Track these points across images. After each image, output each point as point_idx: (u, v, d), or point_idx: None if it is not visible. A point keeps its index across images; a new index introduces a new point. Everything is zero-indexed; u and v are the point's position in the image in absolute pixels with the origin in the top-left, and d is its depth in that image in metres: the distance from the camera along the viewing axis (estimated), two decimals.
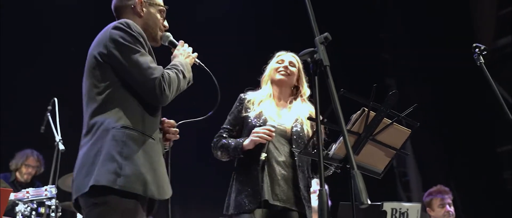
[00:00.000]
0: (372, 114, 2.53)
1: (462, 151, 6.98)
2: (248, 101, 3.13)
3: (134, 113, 2.15)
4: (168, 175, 2.26)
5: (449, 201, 4.72)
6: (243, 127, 3.11)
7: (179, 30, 2.71)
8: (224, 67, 3.96)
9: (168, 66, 2.29)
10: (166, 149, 2.41)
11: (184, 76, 2.27)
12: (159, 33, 2.43)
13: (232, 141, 3.02)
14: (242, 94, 3.19)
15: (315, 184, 4.55)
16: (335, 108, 1.94)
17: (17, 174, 4.98)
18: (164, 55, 2.46)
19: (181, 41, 2.50)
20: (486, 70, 3.11)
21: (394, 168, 8.98)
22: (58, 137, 4.26)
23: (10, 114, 5.08)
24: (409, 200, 8.08)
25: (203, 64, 2.53)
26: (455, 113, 6.92)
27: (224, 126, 3.14)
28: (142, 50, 2.17)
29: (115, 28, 2.19)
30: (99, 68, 2.17)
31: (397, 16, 7.88)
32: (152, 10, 2.40)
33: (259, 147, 2.91)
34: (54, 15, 5.48)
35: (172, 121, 2.43)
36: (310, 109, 3.10)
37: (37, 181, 5.07)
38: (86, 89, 2.21)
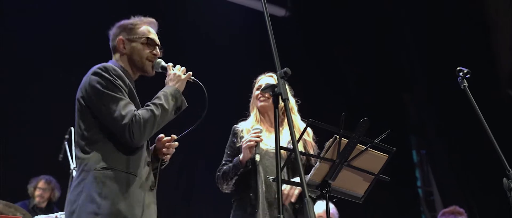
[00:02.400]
0: (345, 141, 2.62)
1: (481, 171, 6.87)
2: (241, 131, 3.24)
3: (115, 152, 2.28)
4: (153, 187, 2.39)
5: None
6: None
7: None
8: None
9: (149, 102, 2.39)
10: (164, 163, 2.56)
11: (163, 109, 2.33)
12: (148, 63, 2.52)
13: (230, 164, 3.12)
14: (235, 126, 3.29)
15: (318, 206, 4.63)
16: (292, 138, 2.07)
17: (36, 199, 5.23)
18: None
19: (169, 65, 2.54)
20: (470, 93, 3.16)
21: (419, 188, 8.91)
22: (73, 165, 4.49)
23: (28, 143, 5.34)
24: None
25: (196, 79, 2.58)
26: (473, 135, 6.84)
27: (224, 160, 3.24)
28: (117, 94, 2.28)
29: (94, 73, 2.33)
30: (82, 112, 2.32)
31: (415, 36, 7.88)
32: (134, 44, 2.50)
33: (253, 171, 3.03)
34: (73, 46, 5.76)
35: (168, 138, 2.53)
36: (302, 125, 3.18)
37: (55, 206, 5.31)
38: (75, 131, 2.38)
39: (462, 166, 7.21)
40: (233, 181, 3.09)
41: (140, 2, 6.24)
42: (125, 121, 2.23)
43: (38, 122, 5.43)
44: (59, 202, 5.32)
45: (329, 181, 2.69)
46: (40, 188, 5.25)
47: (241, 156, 3.05)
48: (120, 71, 2.38)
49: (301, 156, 3.08)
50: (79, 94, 2.35)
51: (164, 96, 2.39)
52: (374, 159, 2.76)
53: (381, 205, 7.61)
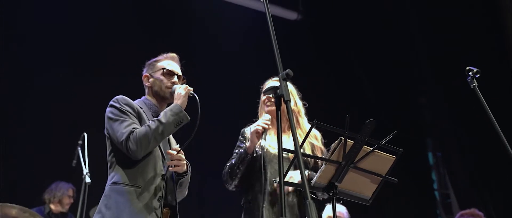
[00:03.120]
0: (350, 142, 2.61)
1: (498, 173, 6.77)
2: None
3: (123, 169, 2.59)
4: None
5: None
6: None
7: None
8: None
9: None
10: (183, 176, 2.74)
11: (160, 123, 2.56)
12: (167, 91, 2.80)
13: (236, 155, 3.16)
14: (243, 129, 3.31)
15: (327, 210, 4.61)
16: (294, 139, 2.07)
17: (52, 206, 5.26)
18: None
19: (175, 86, 2.79)
20: (479, 93, 3.12)
21: (436, 190, 8.79)
22: (85, 170, 4.51)
23: (41, 148, 5.41)
24: None
25: (194, 94, 2.74)
26: (489, 136, 6.74)
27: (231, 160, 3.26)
28: (122, 117, 2.61)
29: (109, 105, 2.69)
30: (106, 138, 2.70)
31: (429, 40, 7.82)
32: (156, 76, 2.83)
33: (260, 175, 3.04)
34: (84, 54, 5.83)
35: (171, 151, 2.67)
36: (314, 130, 3.19)
37: (70, 213, 5.35)
38: None
39: (477, 168, 7.11)
40: (239, 174, 3.08)
41: (149, 8, 6.31)
42: (123, 137, 2.53)
43: (39, 123, 5.48)
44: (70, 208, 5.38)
45: (336, 183, 2.68)
46: (70, 196, 5.32)
47: (247, 144, 3.08)
48: (129, 100, 2.70)
49: (310, 159, 3.08)
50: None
51: (163, 113, 2.64)
52: (381, 161, 2.74)
53: (397, 209, 7.54)
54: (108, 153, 2.68)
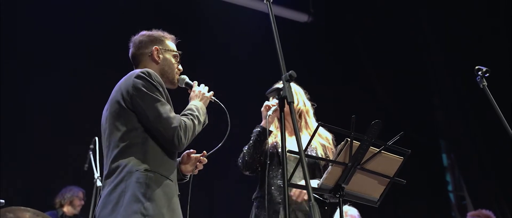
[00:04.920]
0: (357, 143, 2.59)
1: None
2: None
3: (155, 156, 2.33)
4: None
5: None
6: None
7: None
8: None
9: (184, 112, 2.47)
10: (185, 178, 2.66)
11: (199, 121, 2.45)
12: (176, 76, 2.65)
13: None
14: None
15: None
16: (297, 141, 2.05)
17: (64, 209, 5.32)
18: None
19: (195, 82, 2.69)
20: (489, 92, 3.09)
21: (451, 192, 8.69)
22: (97, 174, 4.56)
23: (54, 152, 5.46)
24: None
25: (218, 101, 2.71)
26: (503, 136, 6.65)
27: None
28: (162, 99, 2.37)
29: (138, 77, 2.39)
30: (123, 114, 2.36)
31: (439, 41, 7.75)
32: (167, 56, 2.62)
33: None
34: (94, 61, 5.88)
35: (198, 155, 2.65)
36: (324, 131, 3.19)
37: (81, 216, 5.41)
38: (108, 133, 2.40)
39: (493, 168, 7.02)
40: (254, 153, 3.11)
41: (159, 10, 6.33)
42: (175, 124, 2.31)
43: (51, 128, 5.54)
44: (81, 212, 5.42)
45: (343, 185, 2.66)
46: (81, 199, 5.37)
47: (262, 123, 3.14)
48: (160, 79, 2.46)
49: (320, 161, 3.08)
50: (119, 96, 2.39)
51: (197, 110, 2.49)
52: (389, 162, 2.71)
53: (412, 211, 7.47)
54: (124, 129, 2.33)
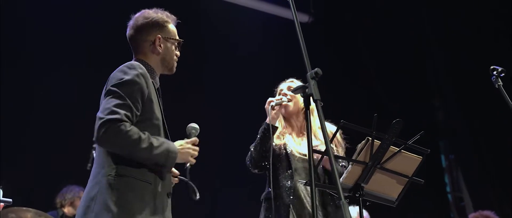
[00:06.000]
0: (377, 142, 2.57)
1: None
2: None
3: (128, 159, 2.16)
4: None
5: None
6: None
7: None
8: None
9: (152, 136, 2.20)
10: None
11: (148, 150, 2.14)
12: (175, 64, 2.50)
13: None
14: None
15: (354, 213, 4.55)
16: (325, 139, 2.02)
17: (65, 209, 5.24)
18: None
19: (194, 139, 2.39)
20: (505, 92, 3.08)
21: (449, 193, 8.71)
22: None
23: (56, 152, 5.39)
24: None
25: (185, 178, 2.43)
26: (504, 137, 6.67)
27: None
28: (124, 96, 2.15)
29: (119, 70, 2.27)
30: None
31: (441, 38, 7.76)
32: (169, 44, 2.46)
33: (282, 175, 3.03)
34: (97, 57, 5.81)
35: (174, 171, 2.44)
36: (330, 127, 3.16)
37: None
38: None
39: (493, 169, 7.04)
40: (261, 151, 3.07)
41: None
42: (109, 117, 2.09)
43: (53, 127, 5.46)
44: None
45: (362, 184, 2.63)
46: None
47: (266, 121, 3.10)
48: (144, 71, 2.28)
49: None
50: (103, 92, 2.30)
51: (159, 146, 2.19)
52: (408, 161, 2.70)
53: (410, 211, 7.47)
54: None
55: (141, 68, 2.28)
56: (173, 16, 2.55)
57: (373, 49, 7.59)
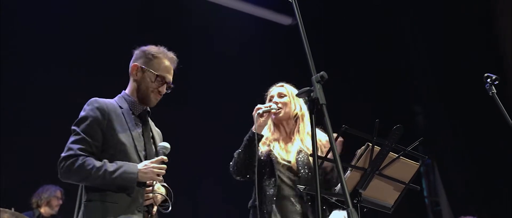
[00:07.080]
0: (377, 148, 2.53)
1: (493, 179, 6.80)
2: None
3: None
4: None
5: None
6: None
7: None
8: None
9: (105, 162, 2.34)
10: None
11: (102, 176, 2.29)
12: (152, 96, 2.54)
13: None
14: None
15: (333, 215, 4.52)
16: (332, 146, 1.97)
17: (41, 209, 5.10)
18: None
19: (160, 158, 2.43)
20: (498, 100, 3.09)
21: (426, 197, 8.81)
22: None
23: (40, 152, 5.24)
24: None
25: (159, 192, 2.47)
26: (485, 140, 6.77)
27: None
28: (81, 131, 2.35)
29: (83, 110, 2.46)
30: None
31: (423, 42, 7.82)
32: (147, 76, 2.53)
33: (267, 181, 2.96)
34: (83, 58, 5.70)
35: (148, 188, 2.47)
36: (320, 134, 3.09)
37: (59, 216, 5.20)
38: None
39: (472, 175, 7.14)
40: (244, 159, 2.98)
41: (148, 11, 6.16)
42: (64, 154, 2.35)
43: (38, 126, 5.33)
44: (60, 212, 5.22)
45: (360, 190, 2.59)
46: (59, 198, 5.16)
47: (252, 128, 2.99)
48: (103, 106, 2.43)
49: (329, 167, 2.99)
50: None
51: (117, 170, 2.33)
52: (406, 168, 2.68)
53: (386, 215, 7.51)
54: None
55: (98, 103, 2.44)
56: (171, 56, 2.62)
57: (356, 53, 7.60)
